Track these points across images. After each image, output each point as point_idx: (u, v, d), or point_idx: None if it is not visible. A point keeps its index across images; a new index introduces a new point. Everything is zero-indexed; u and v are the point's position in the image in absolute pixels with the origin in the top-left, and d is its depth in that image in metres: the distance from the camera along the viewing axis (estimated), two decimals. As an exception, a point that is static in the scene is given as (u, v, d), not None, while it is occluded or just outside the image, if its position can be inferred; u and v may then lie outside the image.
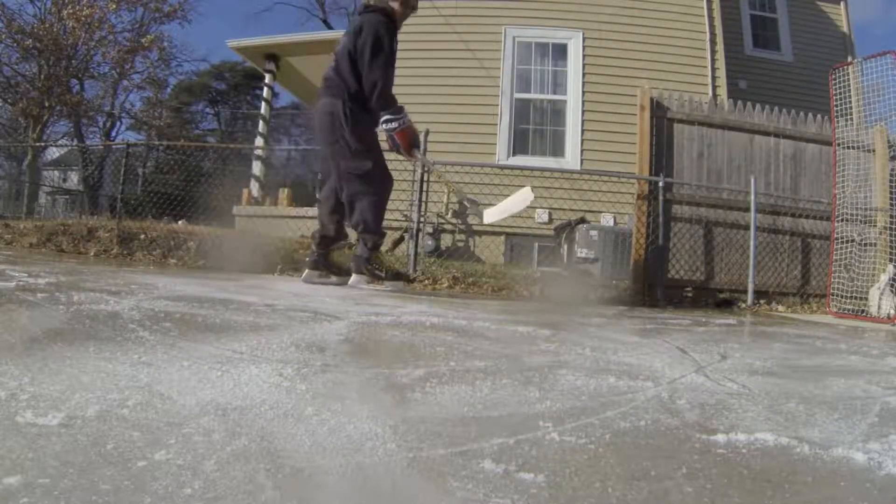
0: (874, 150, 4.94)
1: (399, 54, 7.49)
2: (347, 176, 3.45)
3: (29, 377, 1.10)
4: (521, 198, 3.73)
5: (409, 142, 3.43)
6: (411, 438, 0.94)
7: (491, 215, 3.79)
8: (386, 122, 3.41)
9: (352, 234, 3.84)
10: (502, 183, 6.75)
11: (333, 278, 3.69)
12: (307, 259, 3.83)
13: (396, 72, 7.40)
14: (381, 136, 3.58)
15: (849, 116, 4.72)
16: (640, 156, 4.99)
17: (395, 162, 5.90)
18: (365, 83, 3.38)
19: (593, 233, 5.82)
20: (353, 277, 3.55)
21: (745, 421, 1.15)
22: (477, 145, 7.20)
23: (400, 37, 7.68)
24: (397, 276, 3.69)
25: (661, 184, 4.86)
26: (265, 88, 10.11)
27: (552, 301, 4.23)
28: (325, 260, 3.73)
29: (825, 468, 0.92)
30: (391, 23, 3.49)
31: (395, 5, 3.54)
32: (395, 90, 7.68)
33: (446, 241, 7.09)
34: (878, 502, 0.82)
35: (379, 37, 3.39)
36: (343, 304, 2.68)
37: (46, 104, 15.34)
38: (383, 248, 6.69)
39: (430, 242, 6.62)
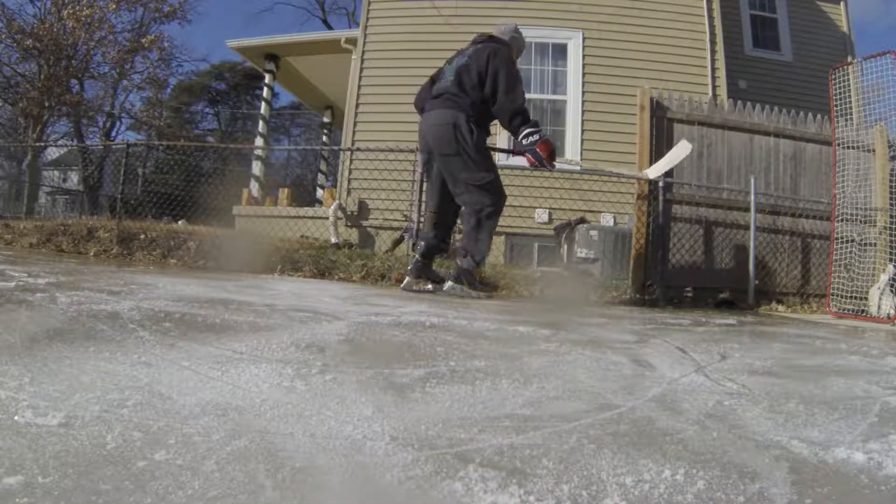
0: (874, 150, 4.94)
1: (400, 54, 7.54)
2: (468, 187, 3.57)
3: (29, 377, 1.10)
4: (681, 149, 4.00)
5: (549, 151, 3.57)
6: (411, 438, 0.94)
7: (655, 170, 4.08)
8: (527, 136, 3.52)
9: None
10: (502, 182, 6.75)
11: (430, 286, 3.81)
12: (409, 267, 3.96)
13: (399, 72, 7.41)
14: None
15: (849, 116, 4.71)
16: (640, 156, 4.99)
17: (394, 162, 5.92)
18: (503, 105, 3.53)
19: (593, 233, 5.82)
20: (448, 284, 3.65)
21: (746, 421, 1.15)
22: (477, 145, 7.19)
23: (400, 36, 7.68)
24: (487, 285, 3.77)
25: (660, 184, 4.85)
26: (265, 88, 10.10)
27: (552, 301, 4.23)
28: (428, 269, 3.86)
29: (825, 467, 0.92)
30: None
31: (514, 50, 3.88)
32: (396, 90, 7.64)
33: (446, 241, 7.07)
34: (878, 502, 0.82)
35: (513, 64, 3.66)
36: (343, 304, 2.68)
37: (46, 104, 15.32)
38: (383, 249, 6.70)
39: (430, 242, 6.60)
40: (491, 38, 3.83)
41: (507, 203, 6.95)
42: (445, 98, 3.63)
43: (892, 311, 4.02)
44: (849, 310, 4.29)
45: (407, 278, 3.84)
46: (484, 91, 3.55)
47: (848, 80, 4.62)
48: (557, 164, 3.89)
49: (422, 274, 3.82)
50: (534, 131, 3.51)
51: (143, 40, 17.22)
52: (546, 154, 3.54)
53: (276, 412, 1.02)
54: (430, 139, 3.65)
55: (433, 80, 3.85)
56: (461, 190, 3.58)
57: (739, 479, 0.85)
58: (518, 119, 3.53)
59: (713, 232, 5.10)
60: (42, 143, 15.46)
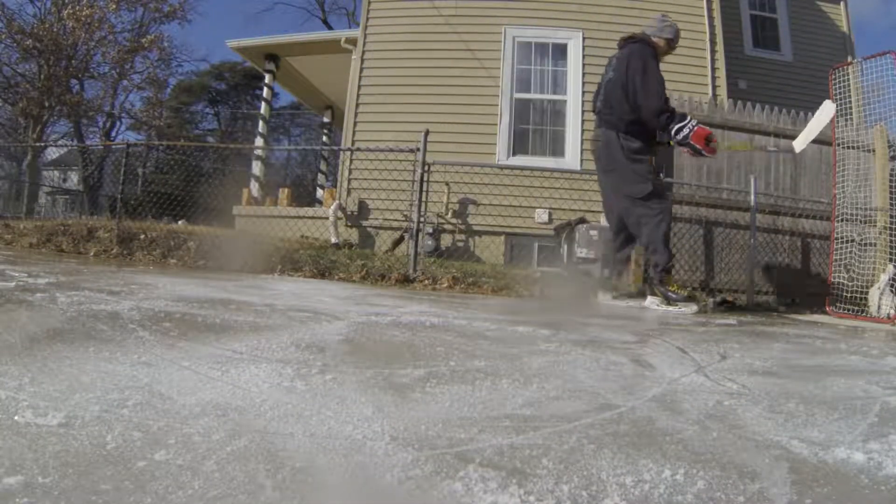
0: (874, 150, 4.94)
1: (400, 54, 7.53)
2: (630, 200, 3.63)
3: (29, 377, 1.10)
4: (825, 113, 3.79)
5: (704, 138, 3.52)
6: (411, 438, 0.94)
7: (801, 142, 3.85)
8: (678, 132, 3.52)
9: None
10: (502, 183, 6.75)
11: (626, 300, 3.86)
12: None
13: (399, 71, 7.40)
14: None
15: (849, 116, 4.71)
16: (640, 156, 4.98)
17: (394, 162, 5.91)
18: (644, 109, 3.54)
19: (593, 233, 5.81)
20: (648, 299, 3.69)
21: (746, 421, 1.15)
22: (477, 145, 7.19)
23: (400, 36, 7.67)
24: (689, 298, 3.72)
25: (661, 184, 4.85)
26: (265, 88, 10.10)
27: (552, 301, 4.23)
28: (616, 280, 3.92)
29: (825, 467, 0.92)
30: (654, 52, 3.72)
31: (661, 43, 3.80)
32: (396, 90, 7.61)
33: (446, 241, 7.08)
34: (878, 502, 0.82)
35: (647, 62, 3.59)
36: (343, 304, 2.68)
37: (46, 104, 15.32)
38: (383, 249, 6.69)
39: (430, 242, 6.61)
40: (631, 38, 3.84)
41: (506, 203, 6.90)
42: (599, 117, 3.77)
43: (892, 311, 4.02)
44: (849, 310, 4.29)
45: (600, 293, 4.00)
46: (630, 102, 3.59)
47: (848, 80, 4.61)
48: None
49: (609, 286, 3.94)
50: (682, 126, 3.51)
51: (143, 40, 17.22)
52: (702, 143, 3.52)
53: (276, 412, 1.02)
54: (595, 158, 3.82)
55: (601, 85, 3.91)
56: (626, 204, 3.66)
57: (739, 479, 0.85)
58: (664, 118, 3.54)
59: (713, 232, 5.11)
60: (42, 143, 15.46)
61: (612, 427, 1.06)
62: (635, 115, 3.57)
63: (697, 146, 3.52)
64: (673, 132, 3.54)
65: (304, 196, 15.56)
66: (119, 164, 7.70)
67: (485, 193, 6.74)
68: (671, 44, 3.85)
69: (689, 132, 3.49)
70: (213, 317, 1.92)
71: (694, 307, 3.60)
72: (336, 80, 9.77)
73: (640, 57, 3.59)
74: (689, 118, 3.56)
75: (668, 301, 3.59)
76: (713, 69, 7.38)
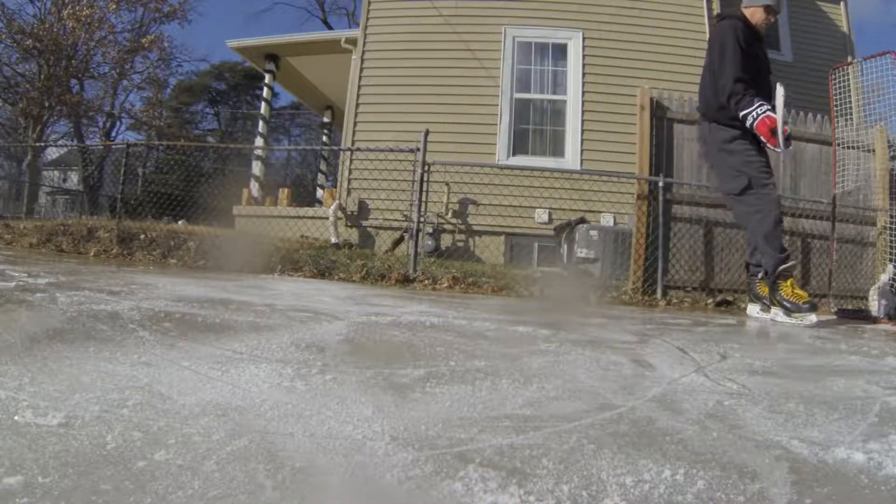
0: (874, 150, 4.94)
1: (400, 54, 7.52)
2: (730, 198, 3.34)
3: (29, 377, 1.10)
4: (780, 97, 3.28)
5: (769, 129, 3.10)
6: (411, 438, 0.94)
7: (781, 143, 3.26)
8: (744, 118, 3.17)
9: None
10: (502, 183, 6.76)
11: (771, 311, 3.34)
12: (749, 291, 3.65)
13: (399, 71, 7.40)
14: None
15: (849, 116, 4.71)
16: (639, 156, 4.99)
17: (394, 162, 5.92)
18: (720, 92, 3.24)
19: (593, 233, 5.82)
20: (771, 310, 3.31)
21: (746, 421, 1.15)
22: (477, 145, 7.19)
23: (400, 36, 7.66)
24: (808, 306, 3.16)
25: (660, 184, 4.85)
26: (265, 88, 10.10)
27: (552, 301, 4.23)
28: (754, 288, 3.53)
29: (825, 467, 0.92)
30: (745, 26, 3.33)
31: (758, 12, 3.35)
32: (396, 90, 7.61)
33: (446, 241, 7.09)
34: (878, 502, 0.82)
35: (724, 40, 3.26)
36: (343, 304, 2.68)
37: (46, 104, 15.33)
38: (383, 249, 6.69)
39: (429, 242, 6.61)
40: (718, 16, 3.57)
41: (506, 203, 6.89)
42: (700, 112, 3.51)
43: (893, 311, 4.02)
44: (849, 310, 4.29)
45: (749, 305, 3.65)
46: (713, 87, 3.30)
47: (848, 80, 4.61)
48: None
49: (751, 296, 3.61)
50: (748, 112, 3.13)
51: (143, 40, 17.25)
52: (766, 133, 3.10)
53: (276, 412, 1.02)
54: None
55: None
56: (729, 202, 3.41)
57: (739, 479, 0.85)
58: (732, 101, 3.18)
59: (713, 232, 5.10)
60: (42, 143, 15.48)
61: (612, 427, 1.06)
62: (720, 100, 3.24)
63: (762, 138, 3.12)
64: (740, 117, 3.18)
65: (304, 196, 15.58)
66: (119, 164, 7.70)
67: (485, 193, 6.75)
68: (770, 10, 3.36)
69: (753, 121, 3.11)
70: (213, 317, 1.92)
71: (812, 318, 3.11)
72: (336, 80, 9.78)
73: (720, 36, 3.27)
74: (756, 104, 3.12)
75: (787, 311, 3.16)
76: (713, 69, 7.36)
